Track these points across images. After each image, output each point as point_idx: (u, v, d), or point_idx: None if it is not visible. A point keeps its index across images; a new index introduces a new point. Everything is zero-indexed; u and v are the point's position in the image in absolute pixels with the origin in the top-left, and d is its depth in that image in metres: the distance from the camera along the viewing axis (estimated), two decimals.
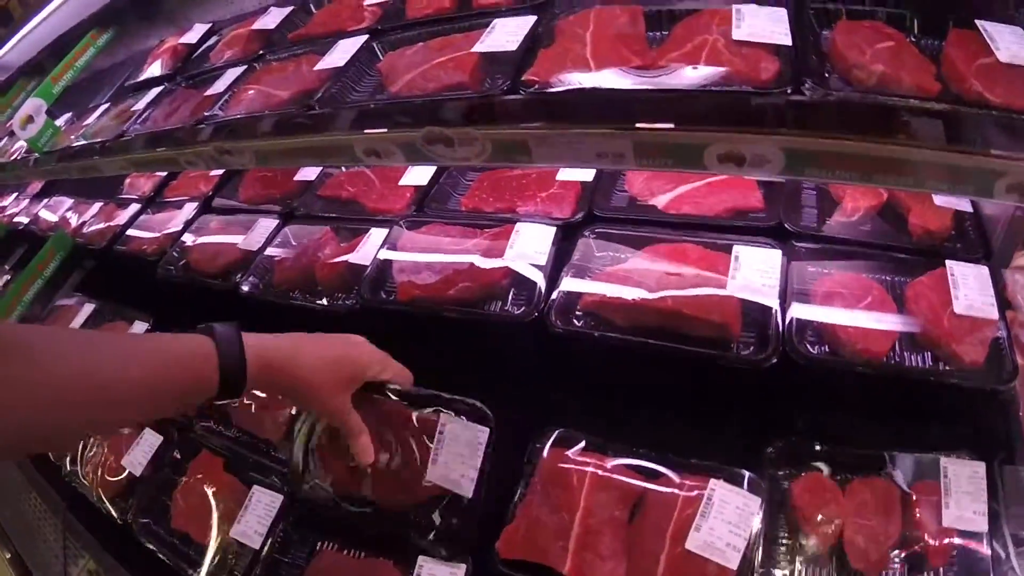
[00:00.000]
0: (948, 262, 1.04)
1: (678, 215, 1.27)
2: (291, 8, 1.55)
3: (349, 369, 0.92)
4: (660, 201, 1.32)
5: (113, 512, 1.33)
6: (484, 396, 1.02)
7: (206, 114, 1.26)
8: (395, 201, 1.53)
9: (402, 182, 1.57)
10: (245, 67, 1.39)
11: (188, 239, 1.73)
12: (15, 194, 3.07)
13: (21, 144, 2.01)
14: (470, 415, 1.00)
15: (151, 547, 1.23)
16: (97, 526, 1.37)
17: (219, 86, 1.37)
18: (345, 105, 1.06)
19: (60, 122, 1.94)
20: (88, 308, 1.82)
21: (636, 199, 1.35)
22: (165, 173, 1.97)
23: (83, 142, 1.66)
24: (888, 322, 1.01)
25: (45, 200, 2.66)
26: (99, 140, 1.56)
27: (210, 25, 1.81)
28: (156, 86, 1.66)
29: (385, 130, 0.97)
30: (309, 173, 1.75)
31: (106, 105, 1.81)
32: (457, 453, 0.96)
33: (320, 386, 0.89)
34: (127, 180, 2.20)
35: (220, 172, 1.89)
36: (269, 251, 1.56)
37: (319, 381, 0.88)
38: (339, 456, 0.99)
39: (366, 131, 0.99)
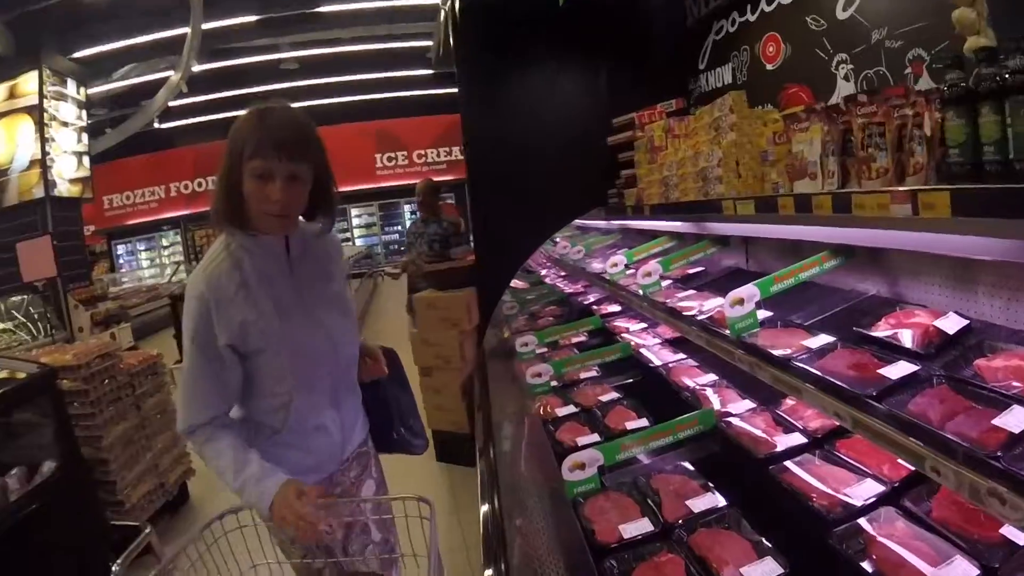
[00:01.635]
0: None
1: None
2: None
3: None
4: None
5: None
6: None
7: (999, 454, 1.19)
8: None
9: None
10: None
11: (867, 527, 1.65)
12: (644, 324, 3.45)
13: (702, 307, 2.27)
14: None
15: None
16: None
17: (1010, 422, 1.28)
18: None
19: (761, 315, 2.05)
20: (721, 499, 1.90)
21: None
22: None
23: (803, 366, 1.72)
24: None
25: (682, 356, 2.91)
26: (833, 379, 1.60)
27: (968, 323, 1.75)
28: (903, 357, 1.65)
29: None
30: (1018, 534, 1.54)
31: (831, 339, 1.85)
32: None
33: None
34: (791, 401, 2.26)
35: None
36: None
37: None
38: None
39: None
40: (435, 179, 6.82)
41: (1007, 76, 1.32)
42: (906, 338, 1.75)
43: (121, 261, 19.53)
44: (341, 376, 2.04)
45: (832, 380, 1.61)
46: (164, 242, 19.68)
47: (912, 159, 1.61)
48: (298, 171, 1.78)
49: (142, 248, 19.74)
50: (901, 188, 1.58)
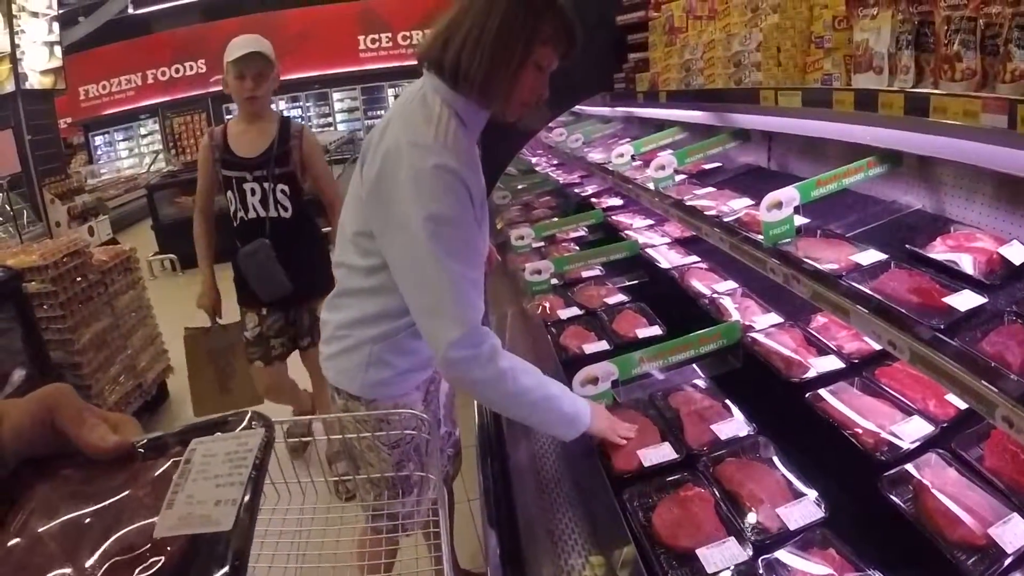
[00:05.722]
0: None
1: None
2: None
3: None
4: None
5: None
6: None
7: None
8: None
9: None
10: None
11: (916, 473, 1.45)
12: (650, 221, 3.23)
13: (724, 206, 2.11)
14: None
15: None
16: None
17: None
18: None
19: (798, 222, 1.85)
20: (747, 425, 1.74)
21: None
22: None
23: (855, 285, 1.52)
24: None
25: (695, 259, 2.70)
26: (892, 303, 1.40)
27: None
28: (966, 285, 1.45)
29: None
30: None
31: (882, 256, 1.65)
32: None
33: None
34: (823, 318, 2.07)
35: (964, 406, 1.62)
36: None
37: None
38: None
39: None
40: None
41: None
42: (967, 263, 1.54)
43: (99, 152, 18.62)
44: None
45: (891, 304, 1.41)
46: (142, 131, 18.74)
47: (1009, 64, 1.34)
48: None
49: (120, 138, 18.74)
50: (998, 96, 1.33)
